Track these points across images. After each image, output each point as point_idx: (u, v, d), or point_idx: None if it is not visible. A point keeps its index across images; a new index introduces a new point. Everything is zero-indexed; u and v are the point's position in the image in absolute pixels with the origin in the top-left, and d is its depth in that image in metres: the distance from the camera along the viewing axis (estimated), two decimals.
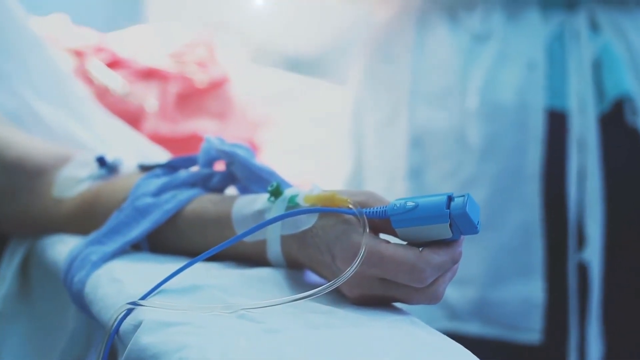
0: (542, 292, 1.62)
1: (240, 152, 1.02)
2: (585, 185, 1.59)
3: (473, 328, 1.63)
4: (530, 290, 1.61)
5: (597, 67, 1.61)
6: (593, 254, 1.60)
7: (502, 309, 1.63)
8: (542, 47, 1.62)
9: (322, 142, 2.14)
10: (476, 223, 0.86)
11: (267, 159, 1.93)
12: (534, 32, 1.62)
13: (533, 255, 1.62)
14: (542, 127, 1.61)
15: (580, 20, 1.61)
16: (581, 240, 1.61)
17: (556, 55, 1.62)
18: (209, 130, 1.82)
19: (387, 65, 1.78)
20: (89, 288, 0.97)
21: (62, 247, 1.09)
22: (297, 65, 2.92)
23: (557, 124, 1.61)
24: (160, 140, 1.66)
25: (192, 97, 1.89)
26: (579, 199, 1.60)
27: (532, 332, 1.63)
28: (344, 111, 1.91)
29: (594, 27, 1.62)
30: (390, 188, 1.75)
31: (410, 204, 0.87)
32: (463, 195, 0.86)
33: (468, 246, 1.64)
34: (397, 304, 0.92)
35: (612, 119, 1.61)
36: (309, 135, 2.18)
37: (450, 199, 0.86)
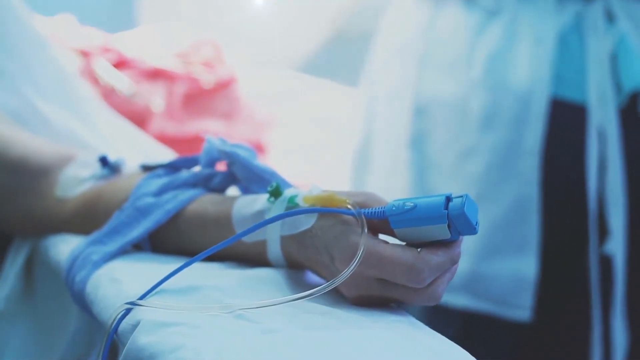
0: (535, 269, 1.62)
1: (241, 153, 1.02)
2: (605, 177, 1.59)
3: (462, 301, 1.63)
4: (523, 267, 1.61)
5: (614, 59, 1.60)
6: (617, 245, 1.59)
7: (493, 284, 1.62)
8: (552, 27, 1.62)
9: (327, 142, 2.14)
10: (474, 223, 0.86)
11: (273, 159, 1.93)
12: (546, 13, 1.62)
13: (528, 231, 1.61)
14: (545, 102, 1.61)
15: (596, 11, 1.61)
16: (602, 232, 1.61)
17: (574, 47, 1.62)
18: (215, 130, 1.82)
19: (400, 39, 1.79)
20: (90, 288, 0.97)
21: (64, 247, 1.09)
22: (298, 65, 2.93)
23: (576, 117, 1.61)
24: (166, 140, 1.67)
25: (199, 98, 1.89)
26: (600, 191, 1.59)
27: (522, 309, 1.63)
28: (351, 109, 1.92)
29: (610, 18, 1.62)
30: (395, 157, 1.76)
31: (408, 204, 0.87)
32: (461, 196, 0.86)
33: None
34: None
35: (630, 111, 1.61)
36: (313, 135, 2.18)
37: (448, 199, 0.86)
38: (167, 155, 1.37)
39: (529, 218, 1.61)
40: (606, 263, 1.62)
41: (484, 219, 1.63)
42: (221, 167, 1.08)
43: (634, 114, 1.61)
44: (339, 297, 0.91)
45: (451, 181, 1.69)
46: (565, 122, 1.62)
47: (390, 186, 1.78)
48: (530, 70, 1.62)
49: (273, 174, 1.00)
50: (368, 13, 2.84)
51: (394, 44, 1.80)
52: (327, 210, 0.90)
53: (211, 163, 1.07)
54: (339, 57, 2.98)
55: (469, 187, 1.66)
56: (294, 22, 3.01)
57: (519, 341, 1.67)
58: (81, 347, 1.15)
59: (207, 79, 1.91)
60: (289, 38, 3.00)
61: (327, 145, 2.11)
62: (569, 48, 1.62)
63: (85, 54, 1.85)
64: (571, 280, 1.66)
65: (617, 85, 1.60)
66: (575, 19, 1.62)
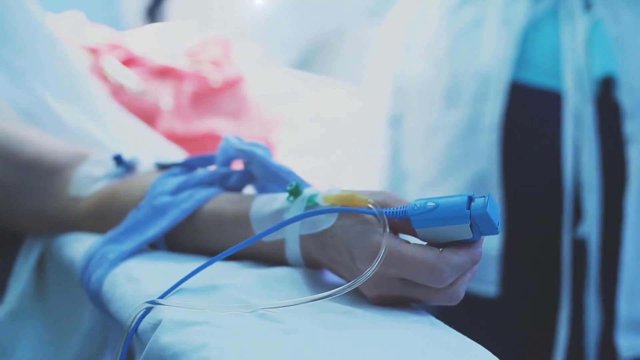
0: (499, 245, 1.62)
1: (259, 152, 1.02)
2: (580, 162, 1.60)
3: None
4: (487, 243, 1.62)
5: (589, 46, 1.62)
6: (591, 229, 1.61)
7: None
8: (524, 11, 1.64)
9: (331, 140, 2.14)
10: (496, 223, 0.86)
11: (279, 157, 1.93)
12: None
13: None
14: (505, 82, 1.63)
15: None
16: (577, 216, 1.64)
17: (550, 34, 1.63)
18: (223, 129, 1.82)
19: (395, 27, 1.83)
20: (106, 287, 0.97)
21: (78, 246, 1.09)
22: (298, 64, 2.93)
23: (551, 103, 1.62)
24: (174, 138, 1.66)
25: (207, 96, 1.89)
26: (575, 175, 1.61)
27: (487, 283, 1.64)
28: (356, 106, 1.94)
29: (587, 4, 1.63)
30: (375, 138, 1.80)
31: (430, 204, 0.87)
32: (484, 196, 0.86)
33: (427, 194, 1.68)
34: None
35: (604, 98, 1.62)
36: (318, 133, 2.18)
37: (470, 199, 0.86)
38: (176, 153, 1.37)
39: (490, 194, 1.64)
40: (579, 245, 1.64)
41: (448, 193, 1.66)
42: (237, 165, 1.08)
43: (608, 101, 1.61)
44: (359, 297, 0.91)
45: (420, 158, 1.72)
46: (536, 106, 1.63)
47: (373, 166, 1.82)
48: (494, 51, 1.64)
49: (290, 173, 1.00)
50: (373, 12, 2.85)
51: (391, 33, 1.84)
52: (349, 210, 0.90)
53: (227, 162, 1.07)
54: (343, 56, 2.99)
55: (435, 164, 1.69)
56: (297, 22, 3.01)
57: (487, 316, 1.68)
58: (95, 346, 1.15)
59: (215, 77, 1.91)
60: (293, 37, 3.00)
61: (332, 144, 2.11)
62: (543, 35, 1.64)
63: (94, 52, 1.84)
64: (545, 259, 1.67)
65: (591, 72, 1.61)
66: (552, 5, 1.64)
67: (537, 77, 1.64)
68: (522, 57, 1.64)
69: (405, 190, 1.73)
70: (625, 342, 1.62)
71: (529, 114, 1.64)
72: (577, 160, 1.62)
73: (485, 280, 1.65)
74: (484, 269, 1.64)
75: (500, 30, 1.64)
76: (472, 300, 1.63)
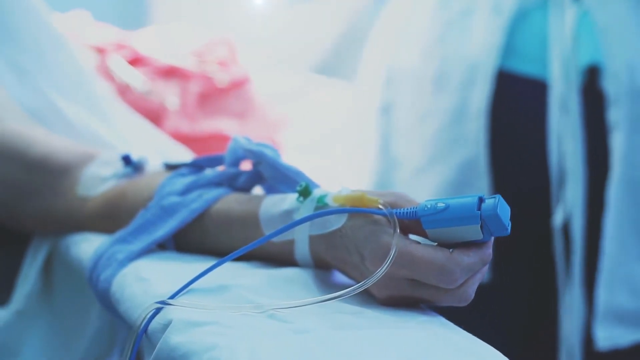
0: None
1: (268, 152, 1.01)
2: (565, 151, 1.60)
3: None
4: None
5: (577, 35, 1.62)
6: (576, 220, 1.61)
7: None
8: (512, 2, 1.64)
9: (335, 140, 2.14)
10: (507, 224, 0.86)
11: (283, 157, 1.93)
12: None
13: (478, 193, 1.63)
14: (492, 69, 1.64)
15: None
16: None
17: (538, 23, 1.63)
18: (229, 129, 1.82)
19: (389, 19, 1.84)
20: (115, 287, 0.97)
21: (86, 246, 1.09)
22: (306, 64, 2.93)
23: (538, 91, 1.62)
24: (180, 138, 1.66)
25: (213, 97, 1.89)
26: (561, 164, 1.61)
27: None
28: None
29: None
30: (370, 127, 1.81)
31: (441, 205, 0.87)
32: (494, 197, 0.86)
33: (416, 181, 1.69)
34: None
35: (589, 87, 1.62)
36: (322, 133, 2.18)
37: (481, 200, 0.86)
38: (183, 153, 1.37)
39: (478, 181, 1.64)
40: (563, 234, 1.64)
41: (435, 181, 1.68)
42: (246, 166, 1.08)
43: (594, 90, 1.61)
44: (369, 297, 0.91)
45: (410, 145, 1.73)
46: (523, 94, 1.64)
47: (364, 156, 1.82)
48: (482, 39, 1.65)
49: (299, 174, 1.00)
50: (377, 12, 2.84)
51: (385, 25, 1.85)
52: (359, 211, 0.90)
53: (236, 162, 1.07)
54: (348, 56, 2.98)
55: (425, 150, 1.70)
56: (302, 21, 3.01)
57: (479, 306, 1.68)
58: (102, 346, 1.15)
59: (221, 78, 1.91)
60: (297, 37, 3.00)
61: (335, 143, 2.11)
62: (531, 24, 1.64)
63: (100, 51, 1.84)
64: (533, 246, 1.67)
65: (577, 61, 1.62)
66: None
67: (524, 66, 1.64)
68: (511, 45, 1.65)
69: (395, 178, 1.73)
70: (602, 333, 1.61)
71: (516, 102, 1.65)
72: (563, 148, 1.62)
73: None
74: None
75: (489, 19, 1.65)
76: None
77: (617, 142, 1.60)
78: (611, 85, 1.60)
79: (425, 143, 1.70)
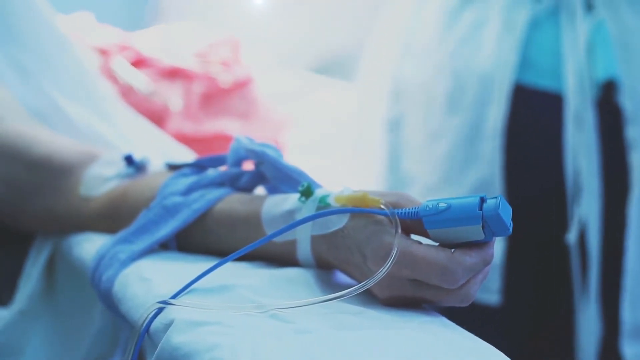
0: (502, 252, 1.61)
1: (270, 152, 1.01)
2: (581, 166, 1.59)
3: None
4: None
5: (591, 48, 1.60)
6: (592, 234, 1.59)
7: None
8: (524, 13, 1.62)
9: (338, 139, 2.14)
10: (508, 224, 0.86)
11: (286, 157, 1.93)
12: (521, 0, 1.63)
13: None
14: (508, 84, 1.61)
15: None
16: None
17: (549, 35, 1.62)
18: (232, 130, 1.82)
19: (389, 27, 1.81)
20: (117, 287, 0.97)
21: (89, 246, 1.09)
22: (308, 64, 2.93)
23: (553, 105, 1.61)
24: (184, 139, 1.66)
25: (217, 97, 1.89)
26: (577, 180, 1.59)
27: (490, 292, 1.62)
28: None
29: (589, 6, 1.61)
30: (377, 141, 1.78)
31: (442, 205, 0.87)
32: (495, 197, 0.86)
33: (430, 198, 1.65)
34: None
35: (605, 101, 1.61)
36: (324, 133, 2.18)
37: (482, 200, 0.86)
38: (186, 154, 1.37)
39: None
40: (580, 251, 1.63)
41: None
42: (248, 166, 1.08)
43: (609, 104, 1.60)
44: (371, 298, 0.91)
45: (420, 163, 1.70)
46: (538, 108, 1.62)
47: (372, 170, 1.81)
48: (496, 54, 1.62)
49: (302, 174, 1.00)
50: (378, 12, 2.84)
51: (384, 33, 1.83)
52: (361, 211, 0.90)
53: (238, 162, 1.07)
54: (349, 56, 2.98)
55: (436, 170, 1.68)
56: (302, 21, 3.02)
57: (491, 325, 1.67)
58: (104, 346, 1.15)
59: (224, 78, 1.91)
60: (297, 37, 3.00)
61: (337, 143, 2.11)
62: (544, 35, 1.62)
63: (103, 52, 1.85)
64: (546, 264, 1.66)
65: (592, 74, 1.60)
66: (553, 6, 1.62)
67: (538, 79, 1.62)
68: (524, 58, 1.62)
69: None
70: (630, 350, 1.61)
71: (531, 117, 1.63)
72: (579, 164, 1.60)
73: (489, 289, 1.63)
74: (487, 277, 1.62)
75: (502, 32, 1.62)
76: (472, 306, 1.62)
77: (637, 161, 1.59)
78: (628, 102, 1.58)
79: (438, 162, 1.67)
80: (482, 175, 1.63)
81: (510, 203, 1.56)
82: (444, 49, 1.68)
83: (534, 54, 1.62)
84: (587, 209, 1.59)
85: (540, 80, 1.62)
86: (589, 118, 1.58)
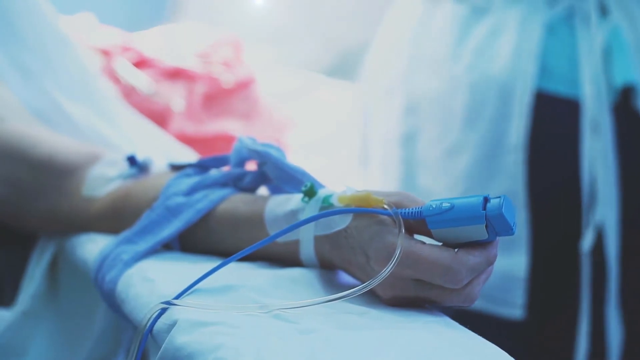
0: (526, 266, 1.60)
1: (273, 152, 1.01)
2: (597, 173, 1.58)
3: None
4: (513, 264, 1.58)
5: (607, 53, 1.59)
6: (610, 242, 1.58)
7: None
8: (540, 20, 1.60)
9: (339, 139, 2.14)
10: (512, 224, 0.86)
11: (288, 157, 1.93)
12: (535, 8, 1.61)
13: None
14: (529, 95, 1.59)
15: (589, 4, 1.59)
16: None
17: (565, 41, 1.61)
18: (234, 130, 1.82)
19: (395, 35, 1.78)
20: (120, 287, 0.97)
21: (92, 246, 1.09)
22: (309, 64, 2.93)
23: (568, 111, 1.59)
24: (186, 140, 1.66)
25: (219, 98, 1.89)
26: (592, 186, 1.58)
27: (514, 307, 1.61)
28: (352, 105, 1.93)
29: (603, 11, 1.60)
30: (388, 155, 1.75)
31: (446, 204, 0.87)
32: (499, 197, 0.86)
33: None
34: None
35: (623, 107, 1.60)
36: (325, 133, 2.18)
37: (486, 200, 0.86)
38: (188, 155, 1.37)
39: (517, 215, 1.59)
40: (599, 259, 1.61)
41: None
42: (251, 166, 1.08)
43: (627, 109, 1.60)
44: (374, 298, 0.91)
45: (439, 179, 1.68)
46: (556, 116, 1.61)
47: (385, 184, 1.78)
48: (513, 62, 1.60)
49: (305, 174, 1.00)
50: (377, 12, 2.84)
51: (389, 41, 1.80)
52: (364, 211, 0.90)
53: (241, 162, 1.07)
54: (349, 56, 2.98)
55: (457, 185, 1.65)
56: (302, 21, 3.02)
57: (513, 339, 1.66)
58: (107, 347, 1.15)
59: (227, 78, 1.91)
60: (297, 37, 3.00)
61: (340, 143, 2.11)
62: (559, 41, 1.61)
63: (105, 53, 1.85)
64: (566, 277, 1.65)
65: (610, 80, 1.58)
66: (567, 11, 1.61)
67: (555, 86, 1.60)
68: (541, 65, 1.60)
69: None
70: None
71: (550, 125, 1.60)
72: (595, 171, 1.58)
73: (512, 303, 1.61)
74: (510, 291, 1.59)
75: (518, 42, 1.59)
76: (497, 323, 1.61)
77: None
78: None
79: (459, 177, 1.65)
80: (506, 188, 1.60)
81: (533, 213, 1.53)
82: (458, 61, 1.65)
83: (550, 61, 1.61)
84: (602, 216, 1.57)
85: (557, 87, 1.60)
86: (606, 124, 1.57)
